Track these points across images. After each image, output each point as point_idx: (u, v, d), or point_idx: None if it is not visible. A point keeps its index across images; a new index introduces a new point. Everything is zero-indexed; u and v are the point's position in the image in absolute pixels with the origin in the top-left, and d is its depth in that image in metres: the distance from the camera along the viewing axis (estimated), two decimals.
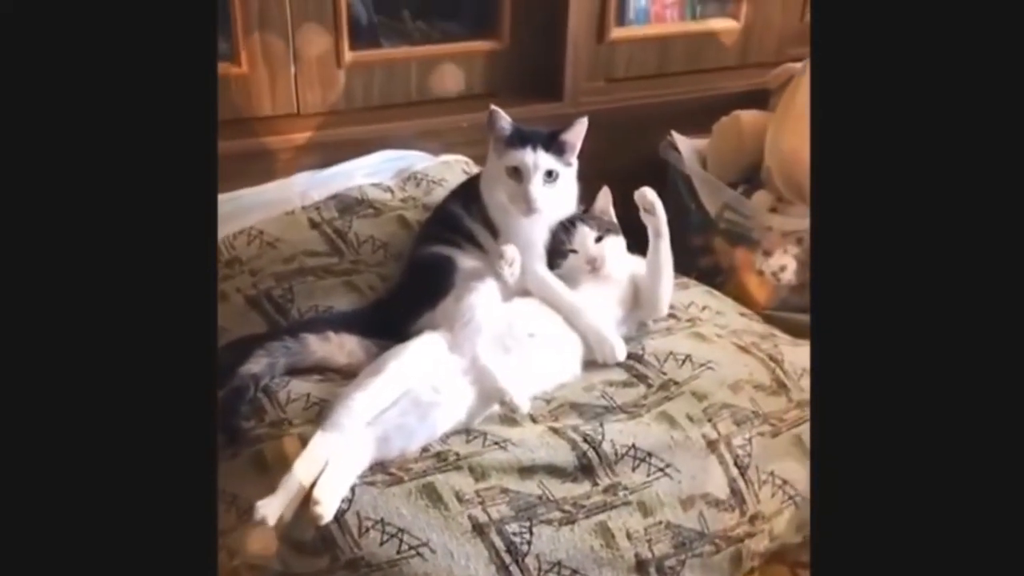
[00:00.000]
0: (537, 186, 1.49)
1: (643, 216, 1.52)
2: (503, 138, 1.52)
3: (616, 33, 2.28)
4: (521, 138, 1.50)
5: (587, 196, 1.62)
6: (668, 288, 1.58)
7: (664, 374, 1.48)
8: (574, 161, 1.55)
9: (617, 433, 1.36)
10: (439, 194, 1.81)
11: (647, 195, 1.50)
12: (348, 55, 2.03)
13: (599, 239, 1.56)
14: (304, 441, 1.26)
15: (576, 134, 1.52)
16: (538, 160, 1.49)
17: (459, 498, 1.23)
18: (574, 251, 1.56)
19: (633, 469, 1.33)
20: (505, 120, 1.51)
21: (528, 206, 1.49)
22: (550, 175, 1.50)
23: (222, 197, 1.74)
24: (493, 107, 1.53)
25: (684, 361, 1.50)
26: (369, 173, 1.89)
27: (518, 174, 1.50)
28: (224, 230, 1.69)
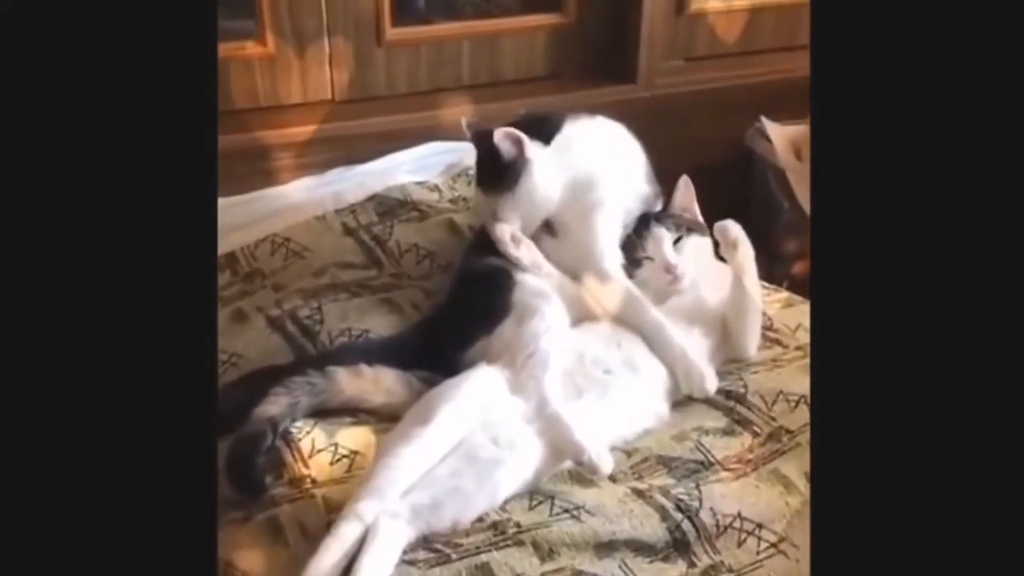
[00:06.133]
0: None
1: (724, 252, 1.34)
2: None
3: (698, 4, 2.10)
4: None
5: (665, 191, 1.48)
6: (756, 328, 1.40)
7: (773, 420, 1.29)
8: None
9: (718, 498, 1.17)
10: None
11: (729, 231, 1.32)
12: (390, 31, 1.89)
13: (678, 240, 1.39)
14: (330, 505, 1.10)
15: None
16: None
17: None
18: (649, 258, 1.38)
19: (739, 545, 1.13)
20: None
21: None
22: None
23: (243, 197, 1.67)
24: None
25: (798, 403, 1.30)
26: (413, 169, 1.78)
27: None
28: (244, 237, 1.58)
